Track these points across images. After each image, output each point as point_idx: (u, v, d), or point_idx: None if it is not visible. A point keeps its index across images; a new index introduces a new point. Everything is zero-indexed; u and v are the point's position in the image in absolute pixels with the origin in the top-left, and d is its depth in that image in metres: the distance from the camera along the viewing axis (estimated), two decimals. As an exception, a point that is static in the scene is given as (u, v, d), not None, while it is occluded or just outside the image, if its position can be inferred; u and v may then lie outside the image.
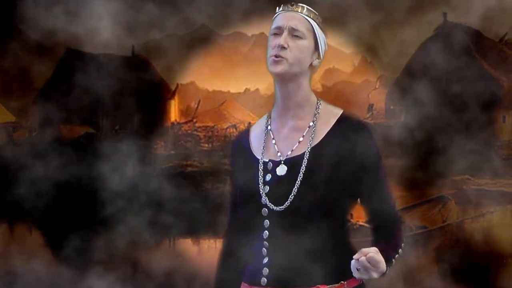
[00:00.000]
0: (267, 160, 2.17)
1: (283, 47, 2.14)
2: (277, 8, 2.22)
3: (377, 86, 8.78)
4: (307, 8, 2.20)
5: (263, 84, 10.83)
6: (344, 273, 2.11)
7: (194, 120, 9.37)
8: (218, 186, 7.93)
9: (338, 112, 2.19)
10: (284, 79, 2.17)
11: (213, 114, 9.57)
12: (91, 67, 8.27)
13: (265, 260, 2.13)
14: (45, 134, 8.39)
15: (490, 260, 6.53)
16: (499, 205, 7.17)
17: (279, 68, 2.16)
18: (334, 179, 2.08)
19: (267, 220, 2.13)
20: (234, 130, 9.15)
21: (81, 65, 8.36)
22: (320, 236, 2.09)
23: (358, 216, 2.20)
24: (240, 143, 2.29)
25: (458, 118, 7.26)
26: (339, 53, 8.52)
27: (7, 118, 9.03)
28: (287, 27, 2.16)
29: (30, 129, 8.88)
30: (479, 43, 7.82)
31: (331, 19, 7.46)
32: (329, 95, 8.31)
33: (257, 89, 10.04)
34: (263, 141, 2.21)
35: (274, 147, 2.18)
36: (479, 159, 7.19)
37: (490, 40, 7.95)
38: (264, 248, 2.13)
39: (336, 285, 2.10)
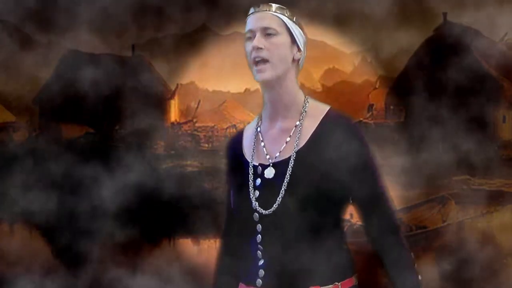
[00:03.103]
0: (257, 164, 2.15)
1: (258, 48, 2.12)
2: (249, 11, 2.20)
3: (377, 86, 8.77)
4: (275, 6, 2.17)
5: (263, 84, 10.77)
6: (338, 274, 2.10)
7: (194, 120, 9.36)
8: (218, 186, 7.93)
9: (325, 108, 2.15)
10: (271, 84, 2.15)
11: (213, 114, 9.57)
12: (91, 67, 8.27)
13: (260, 262, 2.13)
14: (45, 134, 8.39)
15: (490, 260, 6.53)
16: (499, 205, 7.17)
17: (265, 76, 2.13)
18: (322, 180, 2.06)
19: (259, 225, 2.12)
20: (234, 130, 9.14)
21: (81, 65, 8.36)
22: (313, 238, 2.08)
23: (358, 216, 2.18)
24: (233, 146, 2.27)
25: (458, 118, 7.26)
26: (339, 53, 8.52)
27: (7, 118, 9.02)
28: (258, 28, 2.14)
29: (30, 129, 8.88)
30: (479, 43, 7.82)
31: (332, 20, 7.46)
32: (329, 95, 8.31)
33: (257, 89, 9.98)
34: (253, 143, 2.20)
35: (263, 150, 2.16)
36: (479, 159, 7.19)
37: (490, 40, 7.95)
38: (259, 251, 2.13)
39: (331, 286, 2.09)
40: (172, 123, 9.12)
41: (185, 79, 9.26)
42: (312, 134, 2.10)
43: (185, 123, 9.22)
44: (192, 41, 8.81)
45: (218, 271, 2.31)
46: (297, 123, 2.13)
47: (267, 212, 2.09)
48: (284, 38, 2.14)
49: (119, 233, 6.91)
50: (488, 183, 7.32)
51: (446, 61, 7.76)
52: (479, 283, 6.31)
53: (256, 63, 2.14)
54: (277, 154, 2.13)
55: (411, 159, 7.10)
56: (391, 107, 8.33)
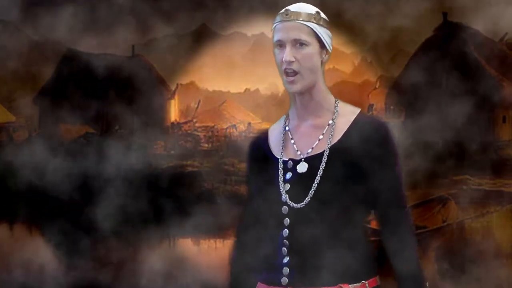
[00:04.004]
0: (287, 159, 2.16)
1: (290, 62, 2.12)
2: (277, 16, 2.18)
3: (377, 86, 8.77)
4: (303, 13, 2.15)
5: (263, 84, 10.83)
6: (365, 272, 2.10)
7: (194, 120, 9.36)
8: (218, 186, 7.93)
9: (356, 110, 2.18)
10: (302, 92, 2.18)
11: (213, 114, 9.57)
12: (91, 67, 8.26)
13: (286, 259, 2.12)
14: (45, 134, 8.39)
15: (489, 260, 6.53)
16: (499, 205, 7.17)
17: (296, 88, 2.15)
18: (354, 176, 2.08)
19: (287, 218, 2.12)
20: (234, 130, 9.15)
21: (81, 65, 8.36)
22: (341, 234, 2.09)
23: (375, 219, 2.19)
24: (258, 145, 2.27)
25: (458, 118, 7.26)
26: (339, 53, 8.51)
27: (7, 118, 9.02)
28: (288, 40, 2.14)
29: (30, 129, 8.88)
30: (479, 43, 7.82)
31: (332, 20, 7.46)
32: (329, 95, 8.28)
33: (257, 89, 10.03)
34: (282, 141, 2.21)
35: (293, 146, 2.18)
36: (479, 159, 7.19)
37: (490, 40, 7.95)
38: (284, 247, 2.12)
39: (358, 284, 2.09)
40: (172, 123, 9.12)
41: (185, 79, 9.26)
42: (345, 132, 2.14)
43: (185, 123, 9.22)
44: (192, 41, 8.81)
45: (233, 271, 2.29)
46: (330, 122, 2.16)
47: (298, 205, 2.10)
48: (314, 48, 2.15)
49: (119, 233, 6.91)
50: (488, 183, 7.32)
51: (446, 61, 7.76)
52: (479, 283, 6.32)
53: (287, 74, 2.15)
54: (309, 150, 2.15)
55: (411, 159, 7.10)
56: (391, 107, 8.33)
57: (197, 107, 9.46)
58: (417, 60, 7.87)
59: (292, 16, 2.14)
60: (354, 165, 2.09)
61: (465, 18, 7.41)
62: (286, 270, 2.11)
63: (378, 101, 8.41)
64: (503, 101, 7.88)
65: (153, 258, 6.91)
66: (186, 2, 7.90)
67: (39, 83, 8.73)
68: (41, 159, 7.41)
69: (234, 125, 9.18)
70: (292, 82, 2.14)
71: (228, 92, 9.47)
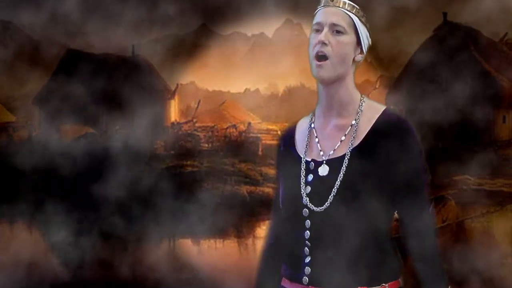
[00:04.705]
0: (310, 160, 2.15)
1: (324, 43, 2.11)
2: (319, 3, 2.19)
3: (377, 86, 8.78)
4: (348, 2, 2.17)
5: (263, 84, 10.85)
6: (386, 275, 2.09)
7: (194, 120, 9.38)
8: (218, 186, 7.94)
9: (381, 108, 2.15)
10: (329, 82, 2.16)
11: (213, 114, 9.59)
12: (91, 67, 8.27)
13: (307, 259, 2.12)
14: (45, 134, 8.40)
15: (489, 259, 6.53)
16: (499, 205, 7.18)
17: (323, 73, 2.12)
18: (375, 180, 2.06)
19: (308, 221, 2.11)
20: (234, 130, 9.16)
21: (81, 65, 8.37)
22: (362, 237, 2.08)
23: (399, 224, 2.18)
24: (286, 140, 2.26)
25: (458, 118, 7.26)
26: (339, 53, 8.52)
27: (7, 118, 9.04)
28: (327, 23, 2.13)
29: (30, 129, 8.89)
30: (479, 43, 7.82)
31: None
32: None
33: (257, 89, 10.05)
34: (307, 139, 2.20)
35: (317, 146, 2.16)
36: (479, 159, 7.19)
37: (490, 40, 7.95)
38: (306, 248, 2.13)
39: (378, 287, 2.09)
40: (172, 123, 9.14)
41: (185, 79, 9.27)
42: (367, 134, 2.11)
43: (185, 123, 9.23)
44: (192, 41, 8.82)
45: (262, 266, 2.30)
46: (353, 122, 2.13)
47: (318, 209, 2.09)
48: (350, 38, 2.13)
49: (120, 234, 6.93)
50: (488, 183, 7.33)
51: (446, 61, 7.77)
52: (479, 282, 6.32)
53: (318, 58, 2.13)
54: (331, 151, 2.13)
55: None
56: (391, 107, 8.33)
57: (197, 107, 9.48)
58: (417, 60, 7.88)
59: (335, 3, 2.15)
60: (375, 167, 2.07)
61: (465, 18, 7.42)
62: (307, 269, 2.11)
63: (378, 101, 8.41)
64: (503, 101, 7.89)
65: (154, 259, 6.92)
66: (186, 2, 7.91)
67: (39, 83, 8.75)
68: (40, 159, 7.41)
69: (234, 125, 9.19)
70: (320, 67, 2.11)
71: (228, 92, 9.48)
